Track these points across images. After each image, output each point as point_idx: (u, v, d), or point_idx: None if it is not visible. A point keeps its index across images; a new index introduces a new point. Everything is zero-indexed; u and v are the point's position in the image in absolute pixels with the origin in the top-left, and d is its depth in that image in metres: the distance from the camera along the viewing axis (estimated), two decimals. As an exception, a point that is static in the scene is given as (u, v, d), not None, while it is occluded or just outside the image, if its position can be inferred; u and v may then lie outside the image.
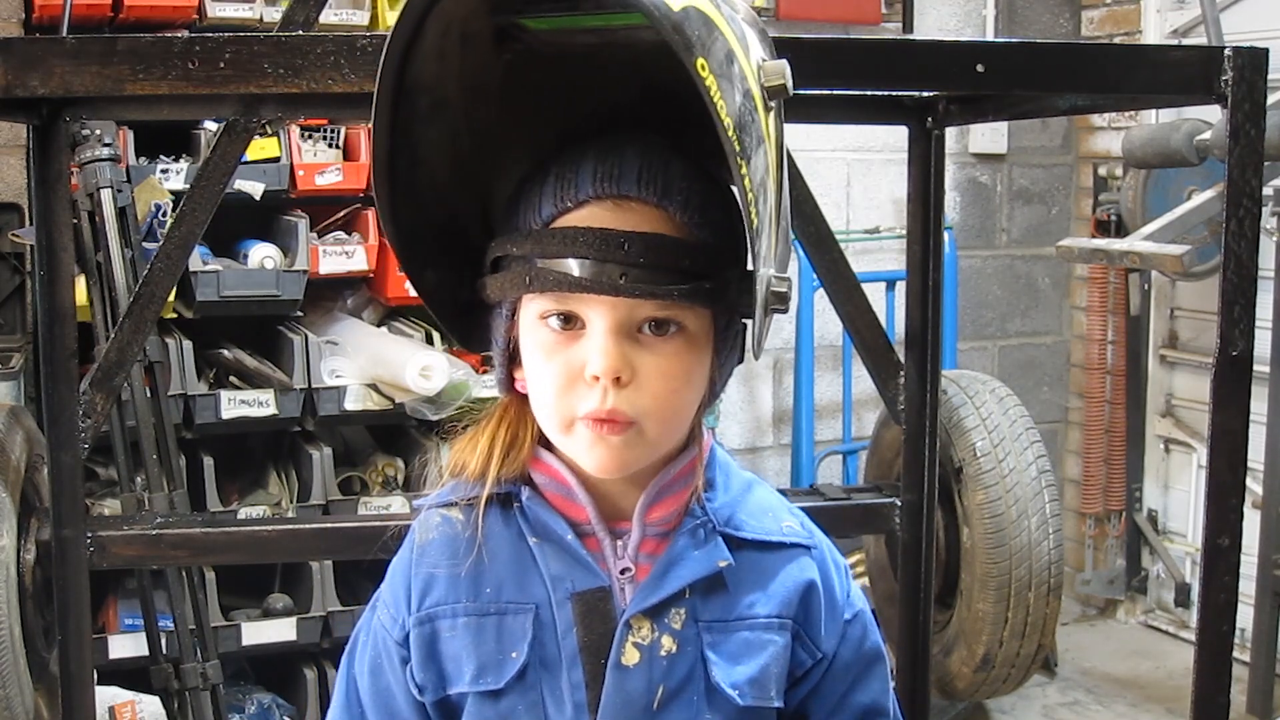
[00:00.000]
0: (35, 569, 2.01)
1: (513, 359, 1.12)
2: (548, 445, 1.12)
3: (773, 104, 0.97)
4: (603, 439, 1.04)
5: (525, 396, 1.11)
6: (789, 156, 2.15)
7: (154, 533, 2.03)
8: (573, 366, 1.04)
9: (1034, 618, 2.28)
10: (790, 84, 0.97)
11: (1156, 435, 4.27)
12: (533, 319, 1.07)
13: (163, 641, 2.85)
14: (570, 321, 1.05)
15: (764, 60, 0.97)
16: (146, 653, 2.86)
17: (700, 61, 0.89)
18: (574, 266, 1.02)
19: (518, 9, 1.04)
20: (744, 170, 0.92)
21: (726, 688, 1.09)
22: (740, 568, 1.11)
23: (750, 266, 0.98)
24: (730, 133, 0.91)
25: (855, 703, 1.15)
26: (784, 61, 0.97)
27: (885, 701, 1.17)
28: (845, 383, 4.08)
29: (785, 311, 0.94)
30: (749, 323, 1.05)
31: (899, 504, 2.24)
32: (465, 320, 1.16)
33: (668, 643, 1.08)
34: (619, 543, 1.11)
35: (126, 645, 2.93)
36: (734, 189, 1.03)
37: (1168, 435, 4.25)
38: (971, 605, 2.30)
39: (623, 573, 1.10)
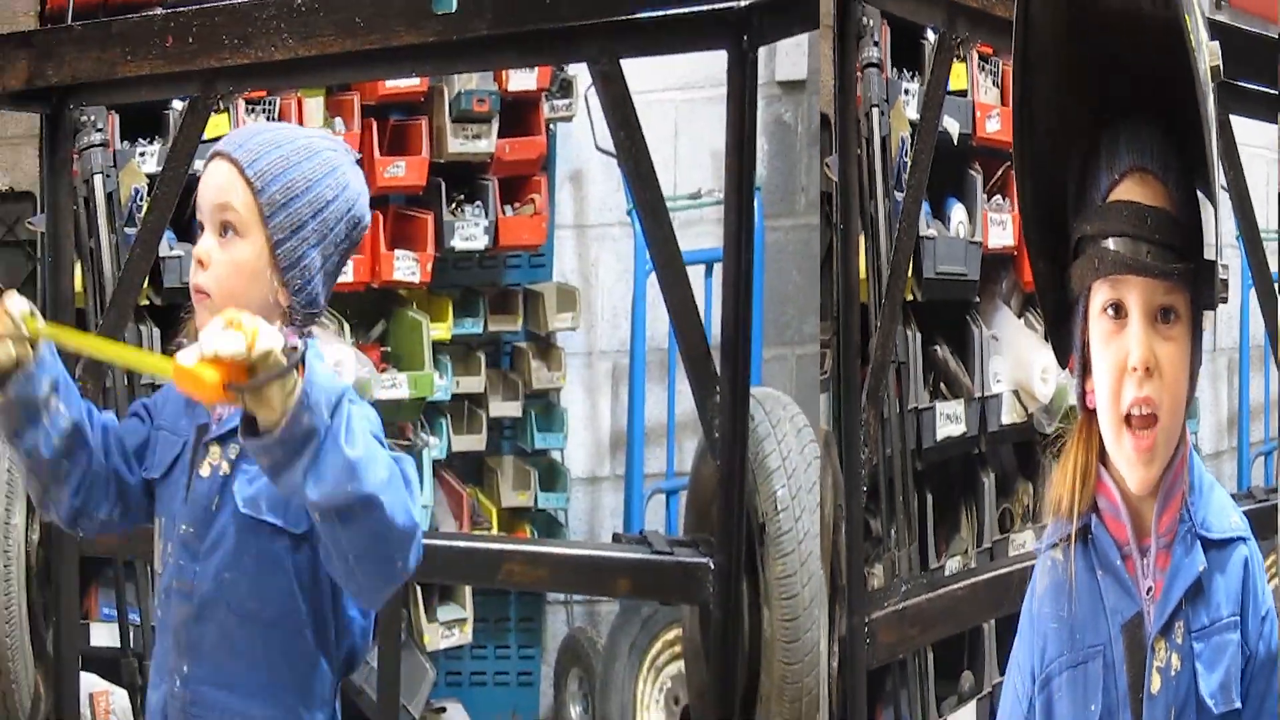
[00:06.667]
0: (39, 550, 2.20)
1: (1084, 371, 1.10)
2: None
3: (1212, 85, 0.97)
4: (1142, 451, 1.04)
5: (1093, 413, 1.09)
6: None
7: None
8: (1119, 360, 1.04)
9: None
10: (1221, 66, 0.98)
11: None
12: (1097, 312, 1.06)
13: (131, 635, 2.84)
14: (1119, 311, 1.05)
15: (1206, 40, 0.97)
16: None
17: (1187, 19, 0.93)
18: (1118, 244, 1.02)
19: None
20: (1209, 140, 0.92)
21: (1207, 698, 1.08)
22: (1210, 569, 1.10)
23: (1207, 254, 1.00)
24: (1202, 89, 0.93)
25: (1269, 709, 1.11)
26: (1217, 42, 0.98)
27: None
28: (670, 400, 3.44)
29: (1225, 302, 0.99)
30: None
31: (712, 566, 1.96)
32: (1061, 329, 1.14)
33: (1175, 661, 1.08)
34: (1145, 560, 1.08)
35: (104, 635, 2.93)
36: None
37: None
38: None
39: (1147, 592, 1.09)
